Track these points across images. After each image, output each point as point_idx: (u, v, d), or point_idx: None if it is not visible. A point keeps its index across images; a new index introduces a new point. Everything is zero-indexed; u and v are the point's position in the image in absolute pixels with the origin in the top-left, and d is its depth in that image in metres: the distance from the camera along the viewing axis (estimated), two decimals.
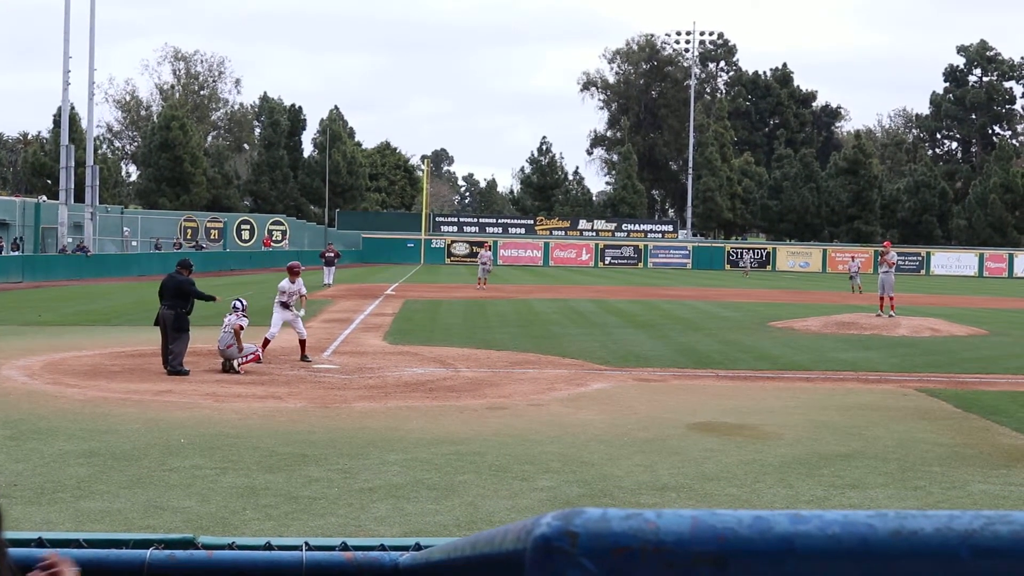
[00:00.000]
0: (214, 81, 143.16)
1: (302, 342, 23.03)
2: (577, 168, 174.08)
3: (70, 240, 67.05)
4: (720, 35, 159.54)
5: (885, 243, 40.98)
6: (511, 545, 1.21)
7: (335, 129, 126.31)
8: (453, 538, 1.53)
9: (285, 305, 23.06)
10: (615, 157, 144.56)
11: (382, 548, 2.17)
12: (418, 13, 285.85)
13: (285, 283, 23.38)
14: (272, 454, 13.07)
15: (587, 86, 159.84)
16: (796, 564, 1.12)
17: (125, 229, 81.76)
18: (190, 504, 10.64)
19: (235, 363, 20.89)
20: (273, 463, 12.56)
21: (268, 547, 2.18)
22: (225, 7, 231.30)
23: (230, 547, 2.18)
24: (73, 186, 67.73)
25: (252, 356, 21.39)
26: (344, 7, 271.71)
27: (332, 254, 57.39)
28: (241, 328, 21.25)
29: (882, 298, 37.10)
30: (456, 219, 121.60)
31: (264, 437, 14.17)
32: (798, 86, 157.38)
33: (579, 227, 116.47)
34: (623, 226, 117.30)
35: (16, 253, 61.80)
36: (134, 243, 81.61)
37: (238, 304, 21.90)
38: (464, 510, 10.59)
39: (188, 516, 10.16)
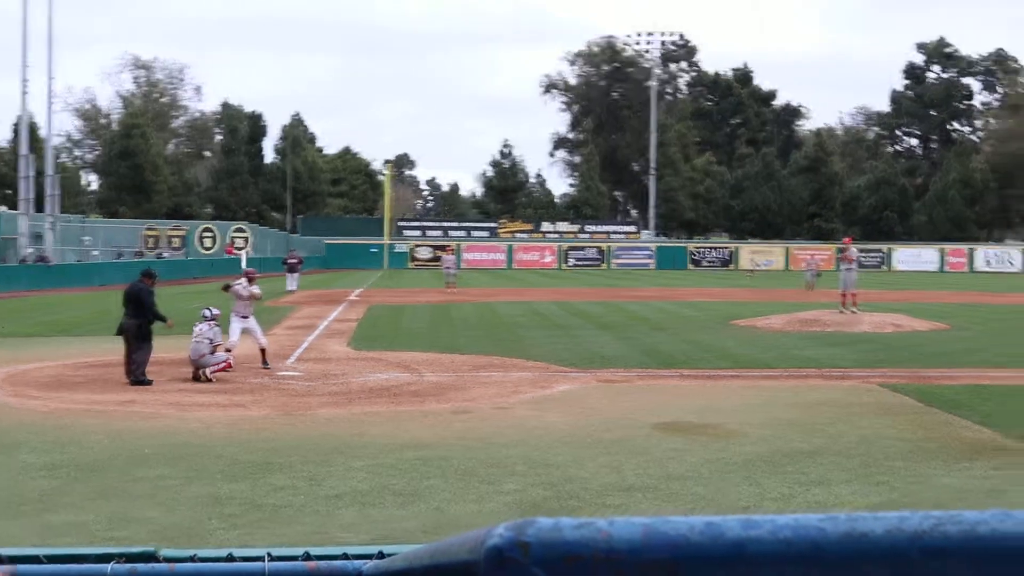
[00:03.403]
0: (174, 88, 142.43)
1: (262, 350, 23.00)
2: (539, 171, 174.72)
3: (30, 250, 66.52)
4: (681, 36, 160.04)
5: (846, 239, 41.15)
6: (466, 555, 1.22)
7: (296, 135, 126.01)
8: (415, 546, 1.54)
9: (242, 316, 23.00)
10: (577, 159, 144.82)
11: (345, 557, 2.17)
12: (376, 17, 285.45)
13: (242, 283, 23.35)
14: (237, 462, 13.02)
15: (549, 88, 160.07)
16: (748, 569, 1.13)
17: (86, 238, 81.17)
18: (155, 515, 10.59)
19: (207, 371, 20.79)
20: (238, 472, 12.52)
21: (230, 558, 2.18)
22: (185, 14, 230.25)
23: (192, 559, 2.18)
24: (33, 196, 67.26)
25: (224, 364, 21.30)
26: (303, 12, 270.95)
27: (295, 260, 57.24)
28: (219, 345, 21.26)
29: (844, 294, 37.27)
30: (419, 223, 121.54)
31: (228, 446, 14.12)
32: (758, 85, 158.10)
33: (542, 229, 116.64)
34: (586, 227, 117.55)
35: None
36: (95, 252, 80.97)
37: (207, 313, 21.83)
38: (430, 515, 10.58)
39: (154, 527, 10.11)
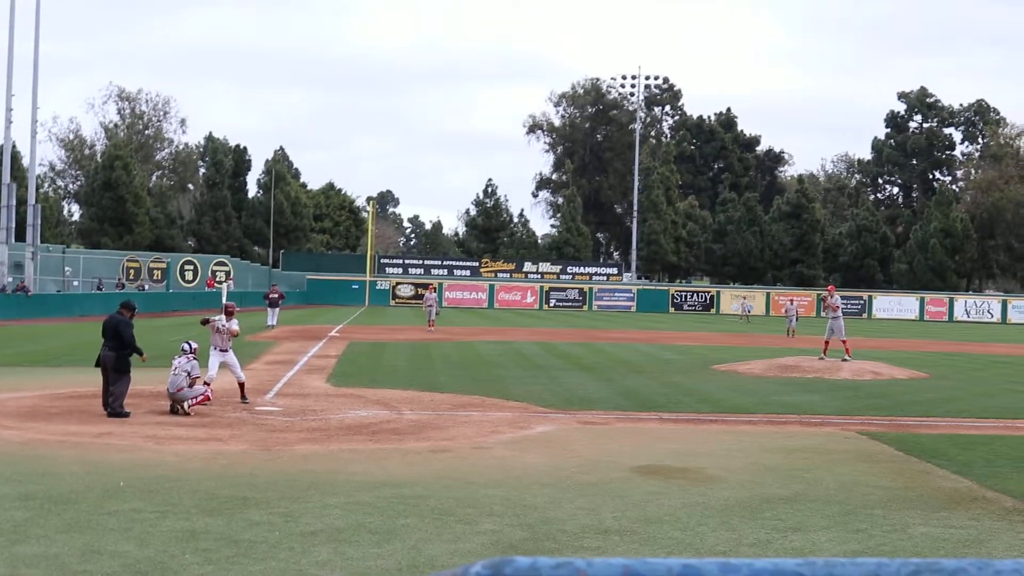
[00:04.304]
0: (159, 121, 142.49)
1: (241, 385, 22.95)
2: (522, 210, 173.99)
3: (10, 280, 66.34)
4: (665, 80, 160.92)
5: (829, 287, 41.01)
6: None
7: (279, 169, 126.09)
8: None
9: (221, 349, 22.99)
10: (560, 200, 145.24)
11: None
12: (362, 54, 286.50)
13: (219, 318, 23.39)
14: (212, 497, 12.94)
15: (533, 129, 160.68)
16: None
17: (67, 269, 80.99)
18: (128, 548, 10.50)
19: (185, 404, 20.69)
20: (213, 506, 12.43)
21: None
22: (171, 46, 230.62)
23: None
24: (14, 225, 67.13)
25: (202, 397, 21.17)
26: (289, 47, 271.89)
27: (276, 295, 57.06)
28: (197, 378, 21.20)
29: (827, 342, 37.19)
30: (401, 261, 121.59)
31: (205, 480, 14.03)
32: (742, 131, 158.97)
33: (524, 269, 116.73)
34: (568, 269, 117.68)
35: None
36: (75, 283, 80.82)
37: (186, 346, 21.77)
38: (406, 554, 10.51)
39: (126, 561, 10.03)
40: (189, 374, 21.01)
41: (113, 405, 20.08)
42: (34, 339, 42.69)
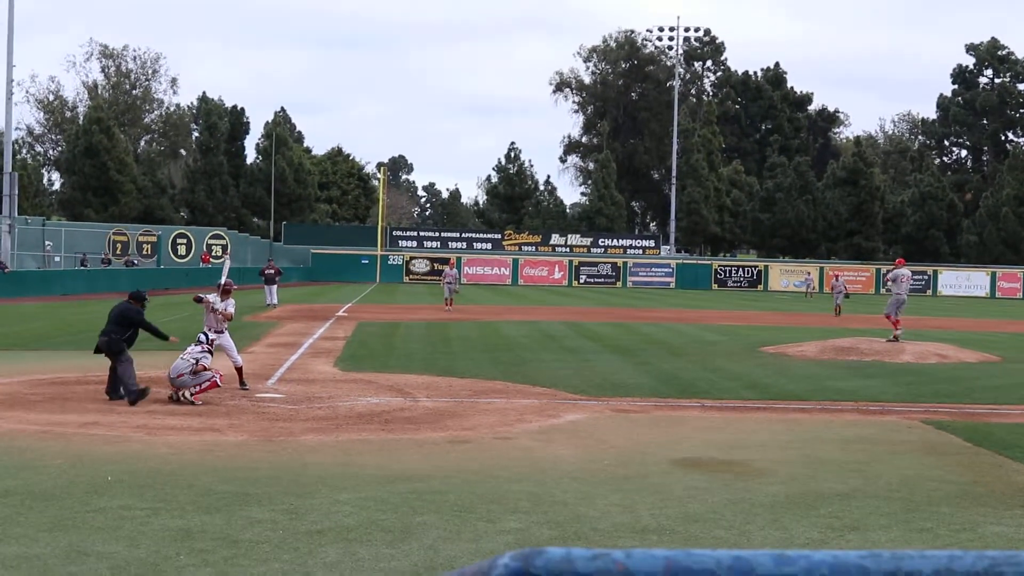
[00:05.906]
0: (147, 80, 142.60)
1: (238, 369, 22.98)
2: (549, 177, 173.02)
3: None
4: (707, 32, 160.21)
5: (897, 260, 40.58)
6: None
7: (281, 133, 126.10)
8: None
9: (216, 331, 23.04)
10: (591, 165, 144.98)
11: None
12: (369, 6, 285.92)
13: (214, 297, 23.42)
14: (209, 493, 12.98)
15: (560, 87, 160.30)
16: None
17: (47, 243, 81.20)
18: (117, 549, 10.55)
19: (187, 392, 20.72)
20: (210, 503, 12.48)
21: None
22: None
23: None
24: None
25: (208, 384, 21.09)
26: (292, 1, 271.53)
27: (272, 271, 56.84)
28: (204, 368, 21.21)
29: (895, 321, 36.93)
30: (415, 233, 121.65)
31: (201, 474, 14.08)
32: (792, 88, 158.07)
33: (551, 242, 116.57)
34: (600, 241, 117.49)
35: None
36: (57, 258, 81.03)
37: (203, 337, 21.90)
38: (423, 555, 10.54)
39: (115, 562, 10.07)
40: (198, 362, 21.03)
41: (127, 390, 20.23)
42: (12, 320, 42.87)
